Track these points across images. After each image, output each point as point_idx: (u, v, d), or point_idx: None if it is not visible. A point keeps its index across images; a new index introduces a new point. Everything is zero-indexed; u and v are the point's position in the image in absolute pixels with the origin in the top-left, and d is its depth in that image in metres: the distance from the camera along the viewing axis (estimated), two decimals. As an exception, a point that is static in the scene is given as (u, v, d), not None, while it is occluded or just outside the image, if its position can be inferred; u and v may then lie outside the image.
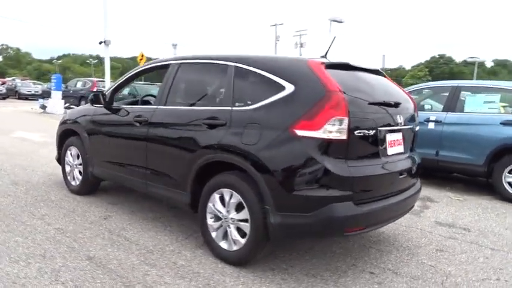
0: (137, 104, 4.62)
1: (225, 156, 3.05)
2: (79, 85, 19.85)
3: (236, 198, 3.02)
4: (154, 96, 5.07)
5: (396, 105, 3.14)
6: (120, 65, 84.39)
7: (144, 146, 3.77)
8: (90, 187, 4.77)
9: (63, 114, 17.25)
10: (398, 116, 3.13)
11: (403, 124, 3.19)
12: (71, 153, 4.87)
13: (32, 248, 3.29)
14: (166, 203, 4.53)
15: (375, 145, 2.92)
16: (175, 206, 4.23)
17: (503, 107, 6.05)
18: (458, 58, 79.45)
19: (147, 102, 4.75)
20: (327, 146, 2.67)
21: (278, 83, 2.93)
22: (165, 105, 3.71)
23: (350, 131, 2.69)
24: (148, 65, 4.30)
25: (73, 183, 4.88)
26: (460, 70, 71.19)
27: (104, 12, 13.27)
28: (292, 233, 2.86)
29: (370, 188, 2.86)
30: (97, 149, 4.41)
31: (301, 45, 46.94)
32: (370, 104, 2.91)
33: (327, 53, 3.40)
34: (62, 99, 17.90)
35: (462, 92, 5.99)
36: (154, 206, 4.49)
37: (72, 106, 19.35)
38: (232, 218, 3.06)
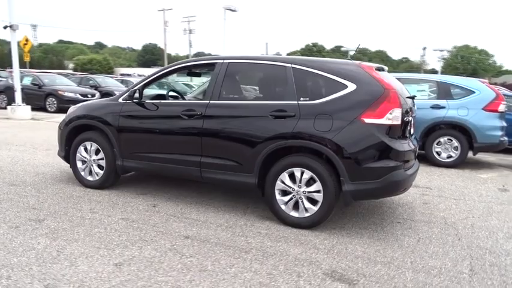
0: (163, 99, 4.86)
1: (300, 141, 3.76)
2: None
3: (308, 174, 3.77)
4: (177, 92, 5.39)
5: (413, 97, 4.24)
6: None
7: (198, 136, 4.20)
8: (113, 180, 4.92)
9: None
10: (413, 105, 4.23)
11: (415, 111, 4.31)
12: (85, 149, 4.91)
13: (123, 235, 3.56)
14: (196, 189, 5.00)
15: (407, 128, 3.96)
16: (230, 188, 4.75)
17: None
18: (328, 46, 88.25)
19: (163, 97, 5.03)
20: (388, 130, 3.62)
21: (341, 82, 3.74)
22: (218, 100, 4.19)
23: (401, 118, 3.68)
24: (187, 62, 4.65)
25: (90, 178, 4.94)
26: (330, 57, 79.15)
27: (7, -6, 11.94)
28: (362, 196, 3.77)
29: (408, 159, 3.89)
30: (129, 143, 4.61)
31: (190, 32, 47.00)
32: (407, 97, 3.94)
33: (352, 56, 4.31)
34: None
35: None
36: (185, 193, 4.91)
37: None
38: (304, 191, 3.80)
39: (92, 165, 4.90)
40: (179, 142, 4.36)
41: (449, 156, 7.06)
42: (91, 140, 4.87)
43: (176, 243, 3.43)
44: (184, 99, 5.23)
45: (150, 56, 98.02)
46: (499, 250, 3.61)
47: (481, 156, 8.23)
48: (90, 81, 17.78)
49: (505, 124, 7.01)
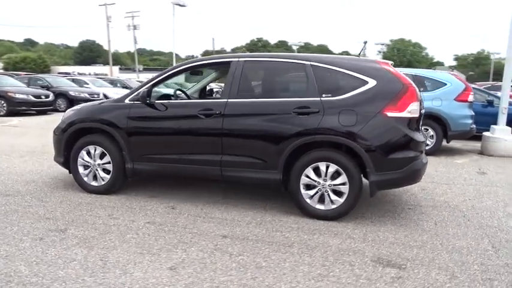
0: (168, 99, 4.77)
1: (326, 136, 3.89)
2: None
3: (333, 168, 3.92)
4: (183, 91, 5.29)
5: (420, 90, 4.53)
6: None
7: (218, 136, 4.19)
8: (120, 185, 4.76)
9: None
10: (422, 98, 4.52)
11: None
12: (88, 153, 4.70)
13: (160, 239, 3.49)
14: (206, 188, 4.98)
15: (420, 120, 4.23)
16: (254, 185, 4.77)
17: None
18: (272, 41, 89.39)
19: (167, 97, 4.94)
20: (409, 122, 3.86)
21: (361, 78, 3.92)
22: (236, 98, 4.20)
23: (419, 110, 3.93)
24: (200, 61, 4.60)
25: (94, 183, 4.74)
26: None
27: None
28: (386, 186, 3.99)
29: (422, 150, 4.16)
30: (141, 145, 4.48)
31: (135, 28, 45.44)
32: (420, 91, 4.20)
33: (359, 54, 4.52)
34: None
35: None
36: (196, 193, 4.88)
37: None
38: (329, 184, 3.95)
39: (97, 169, 4.70)
40: (197, 142, 4.32)
41: (426, 145, 7.55)
42: (95, 143, 4.67)
43: (218, 243, 3.44)
44: (190, 98, 5.16)
45: (88, 53, 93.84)
46: (506, 227, 4.00)
47: (450, 143, 8.89)
48: (40, 81, 16.65)
49: (473, 113, 7.65)
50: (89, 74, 42.51)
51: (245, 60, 4.30)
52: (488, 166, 6.90)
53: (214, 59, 4.62)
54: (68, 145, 4.79)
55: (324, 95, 3.98)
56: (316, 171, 3.99)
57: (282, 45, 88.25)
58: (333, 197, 3.96)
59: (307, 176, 4.00)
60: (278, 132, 4.03)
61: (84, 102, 15.76)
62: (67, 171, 4.94)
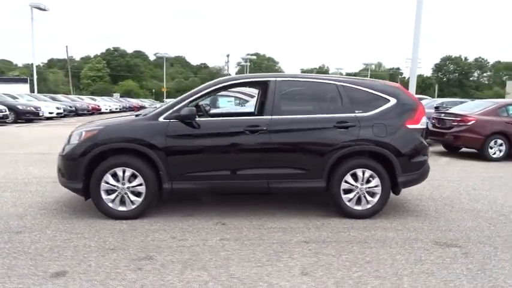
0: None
1: (365, 146, 4.56)
2: None
3: (368, 173, 4.62)
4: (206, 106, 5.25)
5: None
6: None
7: (265, 150, 4.47)
8: (153, 206, 4.58)
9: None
10: None
11: None
12: (115, 176, 4.41)
13: (257, 252, 3.65)
14: (233, 203, 5.13)
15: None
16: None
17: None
18: (129, 50, 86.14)
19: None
20: (422, 132, 4.81)
21: (384, 97, 4.73)
22: (280, 115, 4.56)
23: (426, 123, 4.93)
24: (240, 79, 4.76)
25: (122, 208, 4.46)
26: (135, 62, 78.24)
27: None
28: (408, 185, 4.83)
29: (429, 154, 5.14)
30: (181, 164, 4.43)
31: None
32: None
33: (353, 74, 5.34)
34: None
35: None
36: (230, 207, 5.00)
37: None
38: (366, 187, 4.64)
39: (126, 193, 4.43)
40: (243, 157, 4.50)
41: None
42: (124, 165, 4.41)
43: (310, 248, 3.77)
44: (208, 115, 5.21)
45: None
46: (480, 208, 5.27)
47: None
48: None
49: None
50: None
51: (282, 80, 4.69)
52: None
53: (252, 78, 4.88)
54: (88, 169, 4.39)
55: (356, 111, 4.66)
56: (353, 176, 4.62)
57: (140, 56, 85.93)
58: (369, 198, 4.65)
59: (346, 182, 4.61)
60: (323, 144, 4.54)
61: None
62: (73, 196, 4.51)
